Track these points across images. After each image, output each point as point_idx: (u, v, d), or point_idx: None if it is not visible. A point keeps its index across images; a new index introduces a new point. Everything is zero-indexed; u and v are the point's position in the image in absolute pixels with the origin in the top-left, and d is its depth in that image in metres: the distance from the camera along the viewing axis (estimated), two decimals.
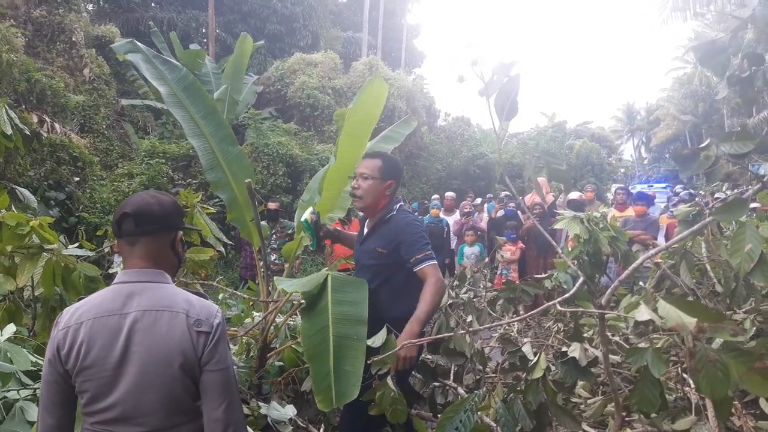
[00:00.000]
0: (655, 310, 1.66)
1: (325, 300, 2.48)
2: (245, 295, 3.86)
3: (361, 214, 3.11)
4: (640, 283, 3.57)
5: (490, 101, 2.05)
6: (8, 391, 2.35)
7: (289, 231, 6.94)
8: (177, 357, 1.51)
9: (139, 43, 3.49)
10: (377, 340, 2.33)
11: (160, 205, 1.65)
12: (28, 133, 4.77)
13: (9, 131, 4.27)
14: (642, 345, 1.79)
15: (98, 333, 1.51)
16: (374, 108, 3.35)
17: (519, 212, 9.36)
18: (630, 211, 6.87)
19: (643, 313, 1.70)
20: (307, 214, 2.99)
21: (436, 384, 3.22)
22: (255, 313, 3.80)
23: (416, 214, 9.80)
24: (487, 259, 7.54)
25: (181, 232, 1.73)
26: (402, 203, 2.86)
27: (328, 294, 2.50)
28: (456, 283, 3.93)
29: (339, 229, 3.29)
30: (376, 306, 2.63)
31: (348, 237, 3.24)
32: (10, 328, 2.46)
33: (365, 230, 2.89)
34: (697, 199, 8.90)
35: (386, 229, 2.71)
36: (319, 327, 2.39)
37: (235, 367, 1.64)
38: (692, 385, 2.33)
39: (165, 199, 1.69)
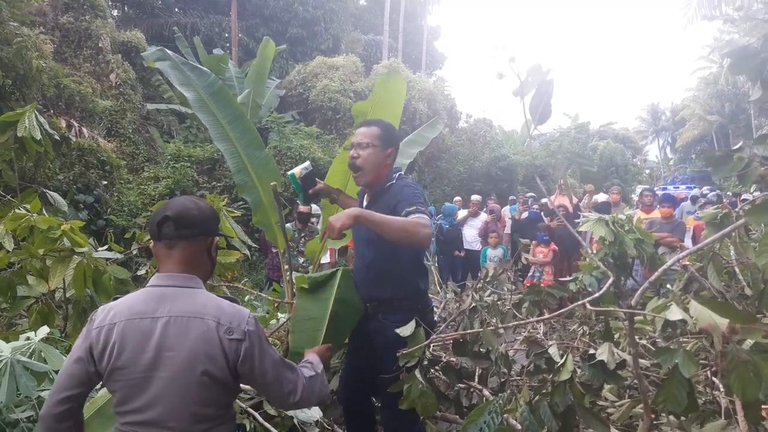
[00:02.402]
0: (686, 310, 1.65)
1: (330, 289, 2.57)
2: (270, 297, 3.89)
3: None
4: (668, 286, 3.53)
5: (524, 101, 2.03)
6: (42, 390, 2.41)
7: (317, 234, 6.98)
8: (205, 364, 1.53)
9: (168, 51, 3.56)
10: (405, 331, 2.34)
11: (199, 210, 1.67)
12: (57, 137, 4.87)
13: (39, 136, 4.37)
14: (672, 347, 1.77)
15: (130, 335, 1.54)
16: (395, 109, 3.37)
17: (542, 214, 9.33)
18: (656, 213, 6.78)
19: (674, 313, 1.69)
20: (296, 169, 2.82)
21: (461, 386, 3.22)
22: (280, 315, 3.84)
23: (436, 218, 9.85)
24: (510, 261, 7.51)
25: (217, 238, 1.75)
26: (401, 171, 2.70)
27: (337, 279, 2.59)
28: (480, 285, 3.93)
29: (339, 190, 3.06)
30: (371, 281, 2.62)
31: (347, 202, 3.01)
32: (44, 329, 2.51)
33: (364, 204, 2.72)
34: (725, 200, 8.77)
35: (387, 196, 2.55)
36: (320, 305, 2.53)
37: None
38: (722, 389, 2.30)
39: (203, 205, 1.71)
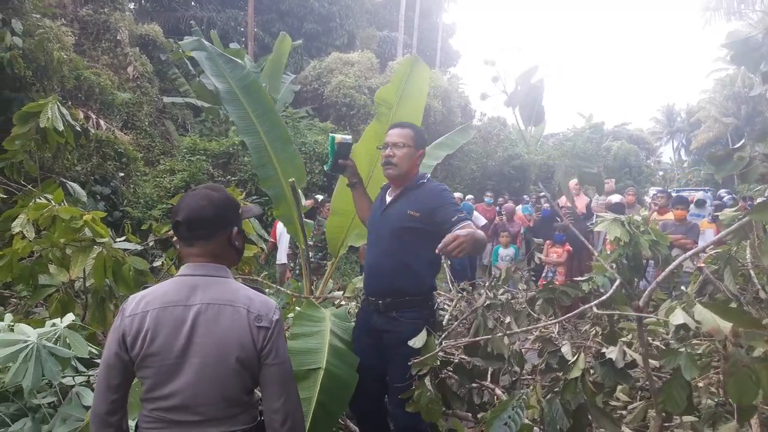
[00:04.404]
0: (691, 314, 1.66)
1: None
2: (289, 291, 3.93)
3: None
4: (682, 288, 3.52)
5: (516, 112, 2.06)
6: (64, 377, 2.46)
7: (325, 229, 7.00)
8: (236, 351, 1.57)
9: (205, 42, 3.62)
10: (417, 342, 2.37)
11: (212, 206, 1.66)
12: (78, 129, 4.93)
13: (61, 127, 4.42)
14: (681, 349, 1.78)
15: (163, 322, 1.57)
16: (420, 100, 3.40)
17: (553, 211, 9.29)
18: (669, 215, 6.76)
19: (678, 317, 1.71)
20: (338, 135, 2.94)
21: (473, 385, 3.24)
22: (298, 309, 3.86)
23: None
24: (523, 261, 7.49)
25: (236, 227, 1.74)
26: (428, 174, 2.89)
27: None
28: (493, 283, 3.93)
29: (362, 180, 3.17)
30: (388, 274, 2.65)
31: (361, 197, 3.12)
32: (69, 316, 2.56)
33: (387, 198, 2.82)
34: (741, 203, 8.66)
35: (419, 193, 2.69)
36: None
37: None
38: None
39: (217, 198, 1.69)
